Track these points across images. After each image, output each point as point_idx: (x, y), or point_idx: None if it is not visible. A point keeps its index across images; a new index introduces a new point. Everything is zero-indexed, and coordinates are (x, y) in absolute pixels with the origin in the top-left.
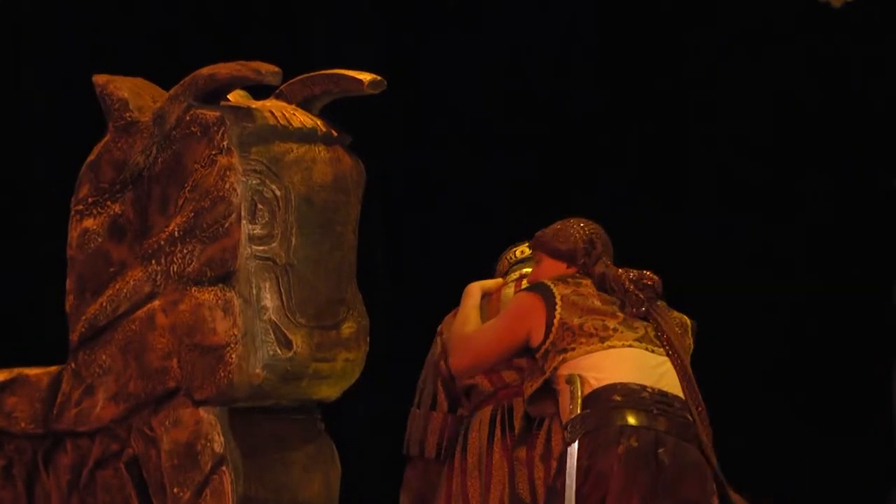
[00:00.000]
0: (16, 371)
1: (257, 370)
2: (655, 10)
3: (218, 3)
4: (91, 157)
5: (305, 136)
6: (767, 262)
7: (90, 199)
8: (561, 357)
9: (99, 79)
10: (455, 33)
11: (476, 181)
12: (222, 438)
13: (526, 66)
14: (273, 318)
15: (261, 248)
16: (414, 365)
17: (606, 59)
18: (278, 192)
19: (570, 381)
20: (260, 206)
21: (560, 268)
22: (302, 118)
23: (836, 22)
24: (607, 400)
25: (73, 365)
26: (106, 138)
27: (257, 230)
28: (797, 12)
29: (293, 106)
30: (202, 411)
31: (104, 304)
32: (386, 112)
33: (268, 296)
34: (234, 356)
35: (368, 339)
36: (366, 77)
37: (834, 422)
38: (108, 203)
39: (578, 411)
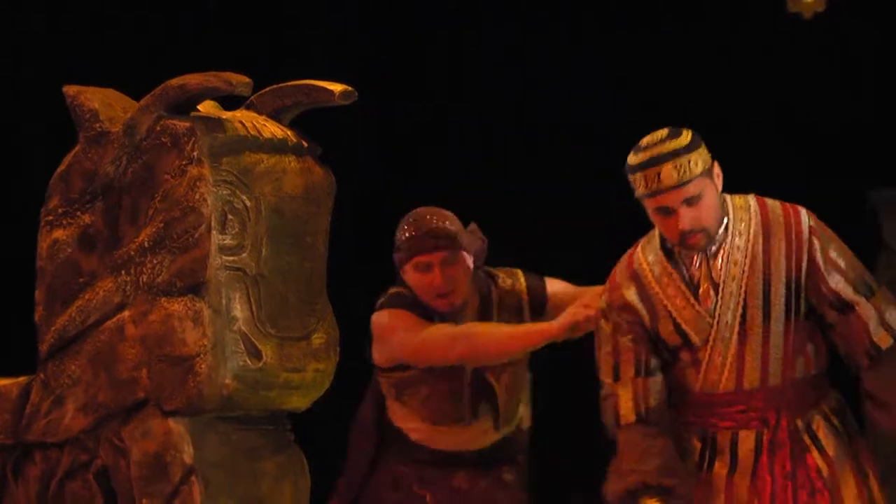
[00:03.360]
0: None
1: (227, 380)
2: None
3: (191, 10)
4: (61, 168)
5: (276, 146)
6: None
7: (60, 210)
8: None
9: (70, 90)
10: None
11: (447, 192)
12: (192, 449)
13: (500, 80)
14: (243, 328)
15: (231, 258)
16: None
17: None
18: (248, 203)
19: None
20: (230, 216)
21: None
22: (272, 129)
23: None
24: None
25: (42, 376)
26: (76, 149)
27: (227, 241)
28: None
29: (264, 117)
30: (171, 422)
31: (73, 314)
32: (357, 123)
33: (238, 306)
34: (203, 366)
35: (338, 350)
36: (337, 88)
37: None
38: (79, 214)
39: None
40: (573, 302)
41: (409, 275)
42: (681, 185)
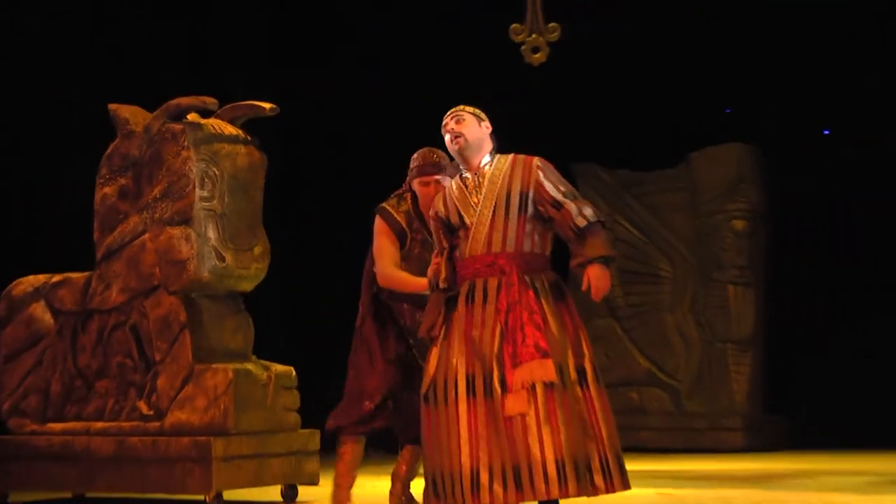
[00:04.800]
0: (65, 275)
1: (205, 274)
2: None
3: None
4: (107, 152)
5: (232, 140)
6: None
7: (107, 176)
8: None
9: (112, 106)
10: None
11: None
12: (185, 314)
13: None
14: (214, 244)
15: (207, 204)
16: (295, 272)
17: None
18: (217, 172)
19: None
20: (206, 179)
21: None
22: (230, 129)
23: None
24: None
25: (98, 271)
26: (116, 141)
27: (205, 194)
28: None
29: (225, 122)
30: (173, 298)
31: (116, 236)
32: (280, 125)
33: (211, 231)
34: (192, 266)
35: (270, 256)
36: (267, 105)
37: None
38: (118, 178)
39: None
40: None
41: (416, 185)
42: (456, 112)
